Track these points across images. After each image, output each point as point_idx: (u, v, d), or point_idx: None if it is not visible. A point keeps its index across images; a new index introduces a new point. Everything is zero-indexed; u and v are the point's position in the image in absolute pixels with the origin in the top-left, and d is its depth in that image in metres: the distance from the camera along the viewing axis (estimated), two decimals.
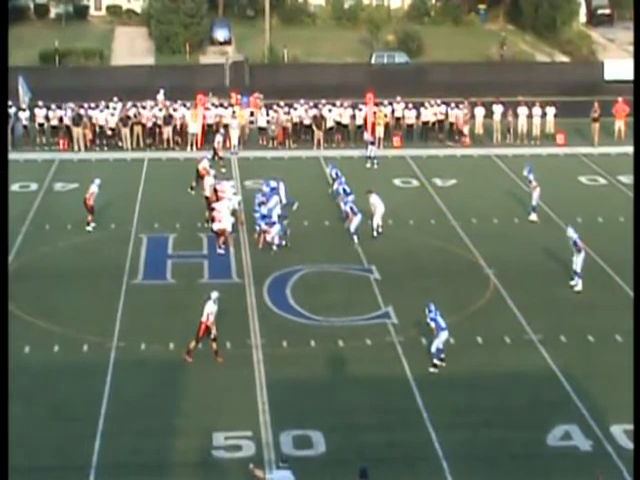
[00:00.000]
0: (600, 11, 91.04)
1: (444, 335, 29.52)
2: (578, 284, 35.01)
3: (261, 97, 57.00)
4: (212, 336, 29.55)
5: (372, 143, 50.63)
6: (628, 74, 70.84)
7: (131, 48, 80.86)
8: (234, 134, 52.25)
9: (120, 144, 53.02)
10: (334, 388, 28.67)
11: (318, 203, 43.55)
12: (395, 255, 38.36)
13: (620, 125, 55.69)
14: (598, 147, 54.04)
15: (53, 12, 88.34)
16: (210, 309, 29.39)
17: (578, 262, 34.95)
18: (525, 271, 36.67)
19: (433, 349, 29.64)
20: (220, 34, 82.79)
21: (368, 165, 49.74)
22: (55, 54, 74.24)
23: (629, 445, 25.55)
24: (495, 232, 41.26)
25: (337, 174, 43.94)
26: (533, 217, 42.04)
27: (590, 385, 28.52)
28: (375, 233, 39.93)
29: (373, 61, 75.48)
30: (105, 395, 27.84)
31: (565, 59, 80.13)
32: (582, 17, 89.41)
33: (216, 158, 47.74)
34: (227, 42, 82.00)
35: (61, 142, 52.56)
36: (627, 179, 47.71)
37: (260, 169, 48.55)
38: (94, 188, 40.59)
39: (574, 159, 51.89)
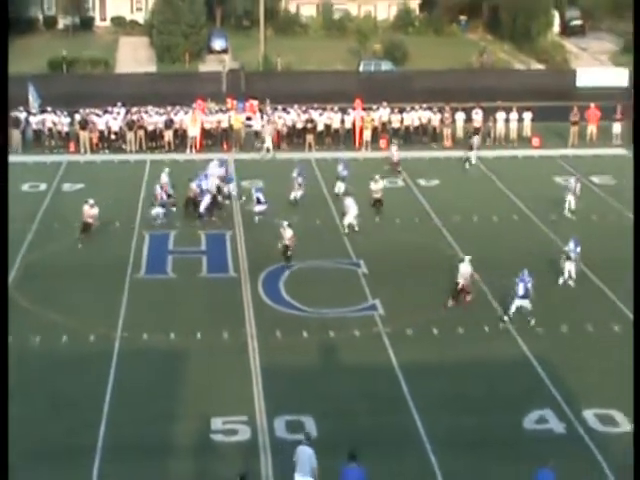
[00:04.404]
0: (573, 22, 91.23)
1: (518, 302, 31.32)
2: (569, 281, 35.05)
3: (267, 102, 56.72)
4: None
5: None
6: (599, 81, 71.25)
7: (134, 57, 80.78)
8: (268, 139, 52.34)
9: (124, 147, 53.00)
10: (325, 376, 28.66)
11: (309, 202, 43.45)
12: (382, 251, 38.33)
13: (592, 129, 55.77)
14: (572, 149, 54.07)
15: (61, 23, 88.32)
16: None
17: (572, 268, 34.83)
18: (502, 266, 36.59)
19: (512, 308, 31.51)
20: (217, 44, 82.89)
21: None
22: (63, 62, 74.27)
23: (599, 427, 25.72)
24: (475, 229, 41.26)
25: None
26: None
27: (563, 372, 28.53)
28: (347, 230, 39.89)
29: (361, 69, 75.55)
30: (110, 382, 27.81)
31: (540, 67, 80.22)
32: (556, 28, 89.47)
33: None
34: (224, 51, 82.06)
35: (70, 145, 52.60)
36: (598, 179, 47.78)
37: (256, 170, 48.50)
38: (165, 178, 42.74)
39: (549, 160, 51.89)
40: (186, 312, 32.66)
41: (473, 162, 50.36)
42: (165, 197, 41.70)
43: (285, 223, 36.49)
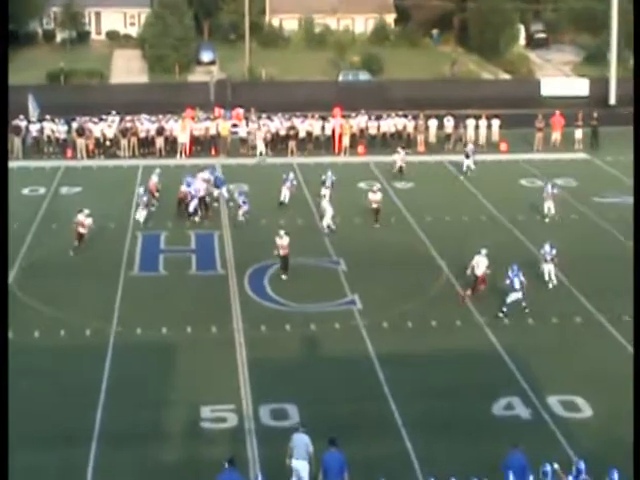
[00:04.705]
0: (537, 35, 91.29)
1: (514, 295, 31.39)
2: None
3: (252, 111, 56.67)
4: None
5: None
6: (562, 90, 71.44)
7: (127, 68, 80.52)
8: (260, 143, 52.70)
9: (118, 153, 52.92)
10: (307, 366, 28.67)
11: (291, 203, 43.43)
12: (360, 249, 38.35)
13: (556, 135, 55.94)
14: (537, 154, 54.22)
15: (59, 37, 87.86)
16: None
17: (551, 270, 34.37)
18: None
19: (508, 300, 31.56)
20: (206, 56, 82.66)
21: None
22: (61, 74, 73.95)
23: (563, 413, 25.78)
24: (447, 229, 41.31)
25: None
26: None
27: (529, 362, 28.57)
28: (326, 231, 39.82)
29: (340, 79, 75.49)
30: (105, 374, 27.76)
31: (507, 77, 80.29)
32: (522, 41, 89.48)
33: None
34: (212, 63, 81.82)
35: (67, 151, 52.51)
36: (561, 181, 47.86)
37: (242, 174, 48.46)
38: (155, 178, 43.37)
39: (515, 164, 52.01)
40: (177, 307, 32.62)
41: (472, 168, 49.65)
42: (145, 199, 41.08)
43: (282, 232, 35.12)
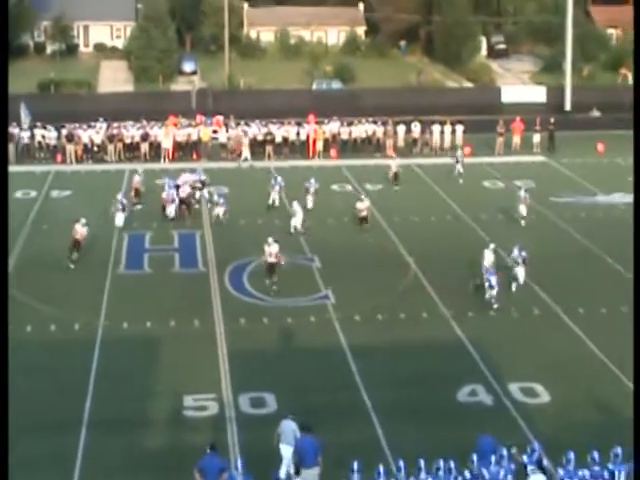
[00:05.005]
0: (498, 46, 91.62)
1: (492, 292, 31.55)
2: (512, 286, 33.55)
3: (231, 117, 56.53)
4: None
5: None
6: (521, 97, 71.75)
7: (114, 78, 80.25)
8: (245, 149, 52.60)
9: (105, 158, 52.76)
10: (284, 357, 28.63)
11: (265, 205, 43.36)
12: (333, 247, 38.32)
13: (517, 139, 56.15)
14: (498, 157, 54.38)
15: (49, 49, 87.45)
16: None
17: (521, 273, 33.57)
18: (439, 259, 36.77)
19: (487, 296, 31.65)
20: (187, 66, 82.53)
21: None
22: (51, 84, 73.71)
23: (523, 399, 25.80)
24: (414, 228, 41.36)
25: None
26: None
27: (491, 352, 28.62)
28: (293, 231, 39.43)
29: (314, 87, 75.59)
30: (94, 365, 27.64)
31: (470, 85, 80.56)
32: (483, 51, 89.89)
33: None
34: (193, 73, 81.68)
35: (57, 156, 52.33)
36: (521, 183, 47.93)
37: (222, 177, 48.34)
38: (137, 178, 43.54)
39: (478, 167, 52.10)
40: (161, 303, 32.50)
41: (461, 171, 49.15)
42: (120, 206, 40.36)
43: (270, 239, 33.56)
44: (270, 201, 42.98)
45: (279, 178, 43.95)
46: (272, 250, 33.27)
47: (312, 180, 43.90)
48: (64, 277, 34.85)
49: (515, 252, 33.79)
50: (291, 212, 40.25)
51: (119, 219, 40.10)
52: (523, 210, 41.42)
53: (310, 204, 42.45)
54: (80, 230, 36.08)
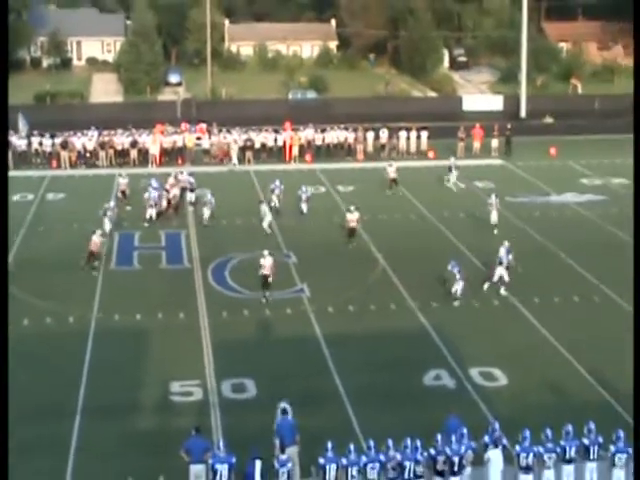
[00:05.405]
0: (459, 59, 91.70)
1: (458, 284, 31.15)
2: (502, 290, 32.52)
3: (214, 125, 56.35)
4: None
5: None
6: (480, 106, 71.88)
7: (105, 90, 79.84)
8: (234, 155, 52.49)
9: (97, 163, 52.52)
10: (263, 346, 28.60)
11: (248, 206, 43.17)
12: (308, 244, 38.28)
13: (477, 145, 56.27)
14: (460, 160, 54.40)
15: (45, 63, 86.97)
16: None
17: (504, 273, 32.40)
18: (405, 255, 36.79)
19: (452, 290, 31.30)
20: (173, 78, 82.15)
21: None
22: (47, 95, 73.25)
23: (482, 383, 25.90)
24: (382, 226, 41.36)
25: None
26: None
27: (454, 339, 28.69)
28: (265, 233, 39.06)
29: (290, 97, 75.42)
30: (87, 355, 27.55)
31: (434, 95, 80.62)
32: (446, 63, 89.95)
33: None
34: (179, 84, 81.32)
35: (53, 162, 52.06)
36: (480, 184, 48.14)
37: (205, 181, 48.09)
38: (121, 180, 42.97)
39: (442, 170, 52.02)
40: (149, 297, 32.39)
41: (453, 180, 48.21)
42: (110, 213, 39.38)
43: (266, 252, 32.00)
44: (272, 204, 42.25)
45: (278, 182, 43.19)
46: (267, 263, 31.75)
47: (304, 187, 43.29)
48: (59, 274, 34.63)
49: (502, 251, 32.72)
50: (261, 214, 39.79)
51: (106, 226, 38.73)
52: (494, 217, 39.68)
53: (305, 209, 41.95)
54: (96, 240, 34.72)
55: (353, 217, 38.19)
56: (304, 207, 42.31)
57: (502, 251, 32.92)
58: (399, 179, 47.19)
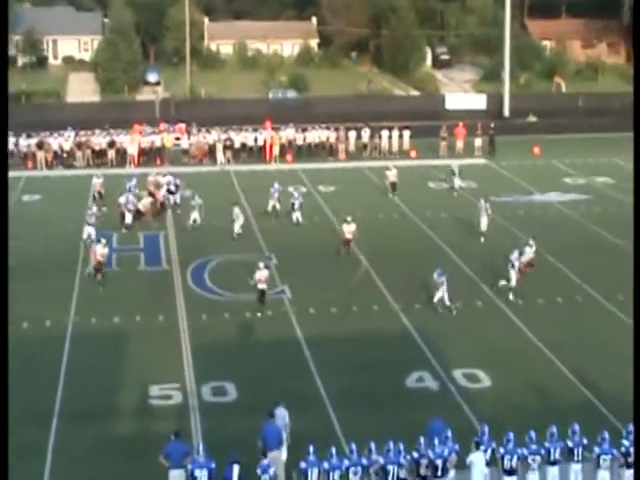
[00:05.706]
0: (442, 57, 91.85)
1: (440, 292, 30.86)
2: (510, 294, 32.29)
3: (193, 125, 56.29)
4: None
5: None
6: (463, 105, 72.06)
7: (82, 89, 79.57)
8: (220, 155, 52.58)
9: (74, 163, 52.37)
10: (243, 348, 28.57)
11: (228, 207, 42.99)
12: (289, 245, 38.30)
13: (460, 144, 56.40)
14: (443, 159, 54.56)
15: (20, 62, 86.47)
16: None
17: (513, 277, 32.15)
18: (388, 256, 36.84)
19: (435, 299, 31.00)
20: (151, 77, 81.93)
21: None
22: (22, 94, 72.89)
23: (466, 384, 25.96)
24: (365, 226, 41.23)
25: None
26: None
27: (437, 341, 28.77)
28: (235, 235, 38.76)
29: (270, 96, 75.44)
30: (64, 359, 27.49)
31: (416, 93, 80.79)
32: (428, 61, 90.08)
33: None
34: (157, 83, 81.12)
35: (28, 163, 51.92)
36: (464, 184, 48.20)
37: (184, 181, 48.01)
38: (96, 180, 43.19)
39: (424, 169, 52.29)
40: (127, 299, 32.34)
41: (456, 186, 47.29)
42: (93, 219, 38.79)
43: (261, 264, 31.58)
44: (269, 207, 42.06)
45: (277, 184, 42.77)
46: (261, 276, 31.22)
47: (295, 194, 42.41)
48: (36, 277, 34.51)
49: (515, 254, 32.40)
50: (233, 216, 39.52)
51: (87, 231, 38.18)
52: (484, 224, 38.91)
53: (300, 219, 40.86)
54: (101, 251, 33.99)
55: (350, 229, 37.05)
56: (298, 216, 40.85)
57: (515, 254, 32.45)
58: (378, 179, 47.21)
